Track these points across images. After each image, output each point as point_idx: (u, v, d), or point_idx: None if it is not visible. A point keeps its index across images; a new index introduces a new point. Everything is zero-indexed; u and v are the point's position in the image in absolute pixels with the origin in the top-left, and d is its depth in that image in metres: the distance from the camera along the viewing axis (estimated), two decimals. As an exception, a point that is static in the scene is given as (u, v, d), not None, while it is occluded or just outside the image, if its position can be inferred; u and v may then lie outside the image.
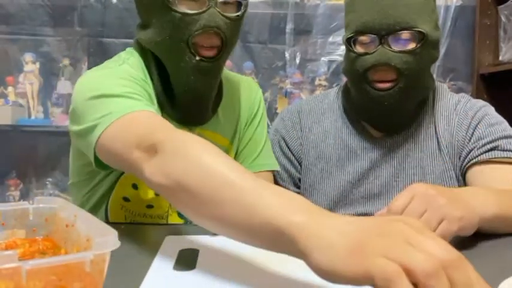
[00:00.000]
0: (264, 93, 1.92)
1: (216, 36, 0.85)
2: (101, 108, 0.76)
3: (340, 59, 1.86)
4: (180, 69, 0.87)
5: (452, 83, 1.94)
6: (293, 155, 1.12)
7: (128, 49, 0.97)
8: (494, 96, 1.85)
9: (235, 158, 1.04)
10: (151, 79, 0.91)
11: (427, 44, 0.96)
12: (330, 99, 1.16)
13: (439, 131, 1.04)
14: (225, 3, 0.85)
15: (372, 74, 0.97)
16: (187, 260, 0.63)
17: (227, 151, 1.01)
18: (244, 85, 1.07)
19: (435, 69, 1.91)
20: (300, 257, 0.47)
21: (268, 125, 1.13)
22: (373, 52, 0.96)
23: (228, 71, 1.09)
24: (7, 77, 1.92)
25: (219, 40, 0.85)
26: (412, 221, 0.44)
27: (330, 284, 0.45)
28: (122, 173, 0.92)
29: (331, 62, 1.91)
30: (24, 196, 1.92)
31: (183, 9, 0.83)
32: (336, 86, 1.18)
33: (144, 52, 0.92)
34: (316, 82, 1.92)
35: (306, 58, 1.92)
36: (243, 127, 1.05)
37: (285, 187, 1.11)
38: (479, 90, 1.88)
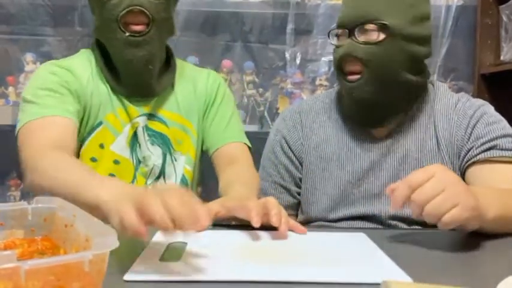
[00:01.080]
0: (264, 93, 1.93)
1: (142, 14, 0.99)
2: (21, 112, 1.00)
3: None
4: (115, 46, 1.02)
5: (453, 82, 1.94)
6: (294, 155, 1.12)
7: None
8: (496, 96, 1.84)
9: (204, 136, 1.15)
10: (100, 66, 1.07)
11: (395, 36, 0.98)
12: (331, 98, 1.16)
13: (438, 130, 1.04)
14: None
15: (344, 66, 1.01)
16: (174, 252, 0.65)
17: (186, 131, 1.13)
18: (204, 75, 1.18)
19: (436, 69, 1.90)
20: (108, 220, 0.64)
21: (269, 125, 1.15)
22: (343, 44, 1.00)
23: (194, 66, 1.24)
24: (8, 77, 1.92)
25: (146, 18, 0.99)
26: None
27: (318, 278, 0.58)
28: (80, 149, 1.05)
29: (331, 62, 1.90)
30: (25, 196, 1.92)
31: None
32: (337, 85, 1.18)
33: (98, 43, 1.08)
34: (317, 82, 1.92)
35: (307, 58, 1.92)
36: (203, 110, 1.16)
37: (286, 187, 1.12)
38: (480, 90, 1.88)
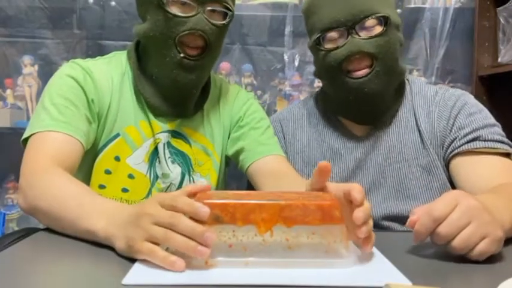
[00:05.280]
0: (263, 95, 1.93)
1: (201, 38, 0.97)
2: (35, 115, 0.97)
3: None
4: (166, 63, 0.98)
5: (451, 84, 1.94)
6: None
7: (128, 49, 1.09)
8: (494, 98, 1.85)
9: (239, 155, 1.10)
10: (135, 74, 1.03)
11: (391, 26, 1.00)
12: (310, 104, 1.18)
13: (420, 123, 1.05)
14: (212, 11, 0.97)
15: (347, 64, 1.00)
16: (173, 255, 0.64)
17: (209, 153, 1.10)
18: (231, 96, 1.15)
19: (434, 71, 1.91)
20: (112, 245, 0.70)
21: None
22: (344, 44, 0.99)
23: (225, 81, 1.20)
24: (5, 80, 1.91)
25: (203, 42, 0.97)
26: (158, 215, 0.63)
27: (319, 282, 0.56)
28: (94, 159, 1.03)
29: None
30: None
31: (175, 11, 0.95)
32: (313, 92, 1.23)
33: (136, 49, 1.06)
34: (315, 84, 1.92)
35: (305, 60, 1.92)
36: (227, 134, 1.12)
37: None
38: (478, 92, 1.88)
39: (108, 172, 1.03)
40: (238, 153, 1.10)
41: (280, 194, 0.69)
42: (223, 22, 0.99)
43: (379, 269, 0.65)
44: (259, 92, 1.92)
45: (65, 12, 1.88)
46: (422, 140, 1.05)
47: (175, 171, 1.06)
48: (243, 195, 0.67)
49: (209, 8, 0.96)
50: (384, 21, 0.99)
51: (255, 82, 1.92)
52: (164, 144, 1.05)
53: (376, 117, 1.07)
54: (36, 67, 1.90)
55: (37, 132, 0.93)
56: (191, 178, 1.08)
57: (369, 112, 1.06)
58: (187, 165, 1.08)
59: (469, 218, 0.66)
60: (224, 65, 1.91)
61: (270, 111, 1.88)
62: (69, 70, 1.00)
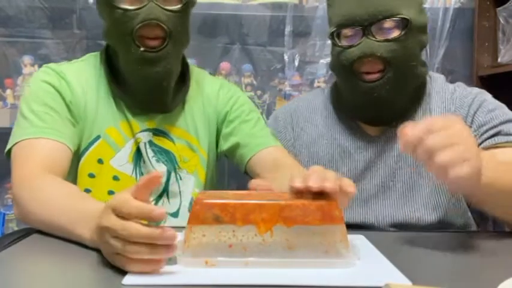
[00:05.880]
0: (263, 95, 1.93)
1: (158, 27, 0.93)
2: (16, 126, 0.96)
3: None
4: (130, 60, 0.96)
5: (451, 85, 1.94)
6: None
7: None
8: (493, 98, 1.84)
9: (234, 151, 1.07)
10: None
11: (412, 30, 0.93)
12: (324, 96, 1.13)
13: None
14: None
15: (359, 66, 0.95)
16: (172, 256, 0.64)
17: (194, 149, 1.06)
18: (215, 89, 1.11)
19: (434, 71, 1.90)
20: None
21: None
22: (358, 44, 0.94)
23: (206, 73, 1.16)
24: (5, 80, 1.91)
25: (162, 31, 0.93)
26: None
27: (319, 282, 0.57)
28: (78, 163, 1.00)
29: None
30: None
31: (124, 5, 0.92)
32: (330, 85, 1.16)
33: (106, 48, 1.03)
34: (315, 84, 1.91)
35: (305, 60, 1.92)
36: (214, 129, 1.09)
37: None
38: (478, 92, 1.88)
39: (91, 176, 1.01)
40: (233, 149, 1.08)
41: (280, 194, 0.69)
42: (179, 6, 0.95)
43: (379, 269, 0.65)
44: (259, 92, 1.92)
45: (65, 12, 1.88)
46: None
47: (160, 170, 1.03)
48: (243, 195, 0.67)
49: None
50: (404, 24, 0.93)
51: (254, 82, 1.92)
52: (145, 143, 1.03)
53: (389, 120, 1.02)
54: (36, 67, 1.89)
55: (21, 141, 0.91)
56: (177, 176, 1.05)
57: (380, 116, 1.02)
58: (172, 162, 1.05)
59: (460, 139, 0.66)
60: (224, 65, 1.91)
61: (269, 111, 1.88)
62: (43, 75, 0.99)
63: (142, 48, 0.93)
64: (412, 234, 0.95)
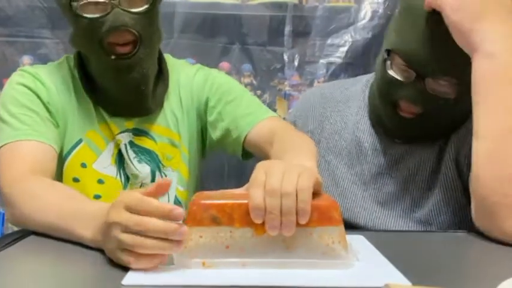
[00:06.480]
0: (262, 95, 1.93)
1: (127, 32, 0.89)
2: None
3: (339, 60, 1.86)
4: (102, 68, 0.93)
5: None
6: None
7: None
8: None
9: (226, 138, 1.02)
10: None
11: (465, 92, 0.84)
12: (358, 87, 1.08)
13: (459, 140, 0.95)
14: None
15: (399, 102, 0.92)
16: (171, 256, 0.64)
17: (176, 145, 1.04)
18: (189, 76, 1.06)
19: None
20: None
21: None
22: (408, 85, 0.89)
23: (182, 63, 1.10)
24: (4, 80, 1.90)
25: (132, 36, 0.90)
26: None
27: (319, 283, 0.58)
28: (62, 167, 0.98)
29: (329, 64, 1.90)
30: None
31: (88, 14, 0.88)
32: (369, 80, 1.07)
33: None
34: (315, 84, 1.91)
35: (305, 60, 1.92)
36: (196, 119, 1.05)
37: None
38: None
39: (76, 180, 1.00)
40: (225, 136, 1.02)
41: None
42: (146, 7, 0.90)
43: (379, 270, 0.65)
44: (258, 92, 1.92)
45: (64, 12, 1.88)
46: (457, 158, 0.94)
47: (143, 170, 1.01)
48: (241, 196, 0.67)
49: None
50: (460, 85, 0.87)
51: (254, 82, 1.92)
52: (126, 144, 1.01)
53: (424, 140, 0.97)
54: (35, 67, 1.89)
55: (3, 146, 0.89)
56: (162, 174, 1.03)
57: (411, 137, 0.97)
58: (155, 162, 1.03)
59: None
60: (223, 65, 1.91)
61: (269, 111, 1.88)
62: (19, 78, 0.97)
63: (113, 57, 0.90)
64: (412, 234, 0.94)
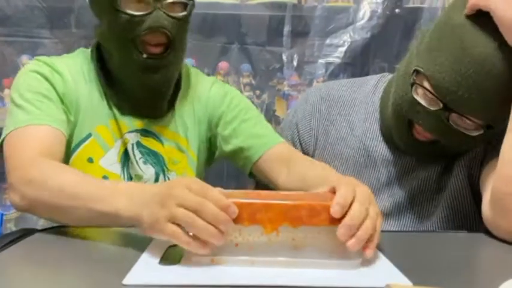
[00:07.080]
0: (261, 95, 1.93)
1: (163, 35, 0.91)
2: (8, 117, 0.92)
3: (338, 60, 1.86)
4: (129, 65, 0.94)
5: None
6: (301, 145, 1.05)
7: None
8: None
9: (237, 154, 1.03)
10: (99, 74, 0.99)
11: (487, 132, 0.84)
12: (367, 89, 1.03)
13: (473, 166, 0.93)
14: (171, 3, 0.91)
15: (416, 127, 0.89)
16: (174, 254, 0.65)
17: (183, 150, 1.04)
18: (205, 88, 1.07)
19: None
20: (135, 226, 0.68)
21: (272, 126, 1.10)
22: (431, 113, 0.84)
23: (198, 73, 1.12)
24: (4, 80, 1.91)
25: (166, 38, 0.92)
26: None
27: (320, 283, 0.58)
28: (68, 161, 0.97)
29: (328, 64, 1.91)
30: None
31: (130, 11, 0.90)
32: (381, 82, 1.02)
33: (97, 49, 1.00)
34: (314, 84, 1.92)
35: (304, 60, 1.92)
36: (206, 131, 1.06)
37: None
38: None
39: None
40: (236, 152, 1.04)
41: (287, 194, 0.69)
42: (184, 13, 0.93)
43: (380, 270, 0.65)
44: (257, 92, 1.92)
45: (64, 11, 1.88)
46: (468, 176, 0.92)
47: (148, 172, 1.01)
48: (251, 195, 0.67)
49: (168, 1, 0.90)
50: (484, 128, 0.83)
51: (253, 82, 1.92)
52: (133, 144, 1.00)
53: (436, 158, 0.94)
54: (34, 67, 1.89)
55: (15, 130, 0.88)
56: (166, 178, 1.03)
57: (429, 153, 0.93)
58: (160, 165, 1.03)
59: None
60: (223, 65, 1.91)
61: (268, 111, 1.89)
62: (34, 67, 0.97)
63: (145, 55, 0.92)
64: (412, 234, 0.95)
